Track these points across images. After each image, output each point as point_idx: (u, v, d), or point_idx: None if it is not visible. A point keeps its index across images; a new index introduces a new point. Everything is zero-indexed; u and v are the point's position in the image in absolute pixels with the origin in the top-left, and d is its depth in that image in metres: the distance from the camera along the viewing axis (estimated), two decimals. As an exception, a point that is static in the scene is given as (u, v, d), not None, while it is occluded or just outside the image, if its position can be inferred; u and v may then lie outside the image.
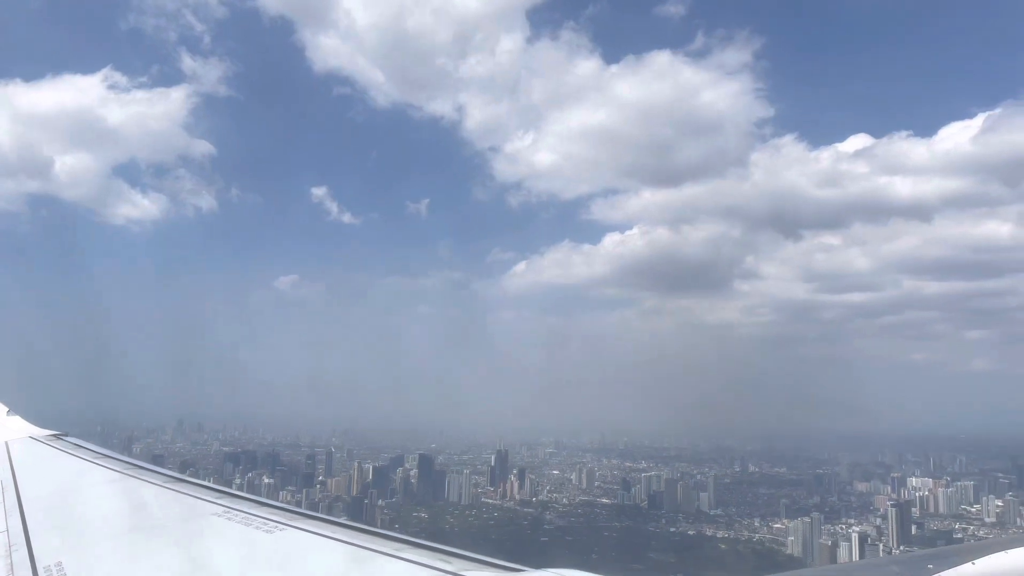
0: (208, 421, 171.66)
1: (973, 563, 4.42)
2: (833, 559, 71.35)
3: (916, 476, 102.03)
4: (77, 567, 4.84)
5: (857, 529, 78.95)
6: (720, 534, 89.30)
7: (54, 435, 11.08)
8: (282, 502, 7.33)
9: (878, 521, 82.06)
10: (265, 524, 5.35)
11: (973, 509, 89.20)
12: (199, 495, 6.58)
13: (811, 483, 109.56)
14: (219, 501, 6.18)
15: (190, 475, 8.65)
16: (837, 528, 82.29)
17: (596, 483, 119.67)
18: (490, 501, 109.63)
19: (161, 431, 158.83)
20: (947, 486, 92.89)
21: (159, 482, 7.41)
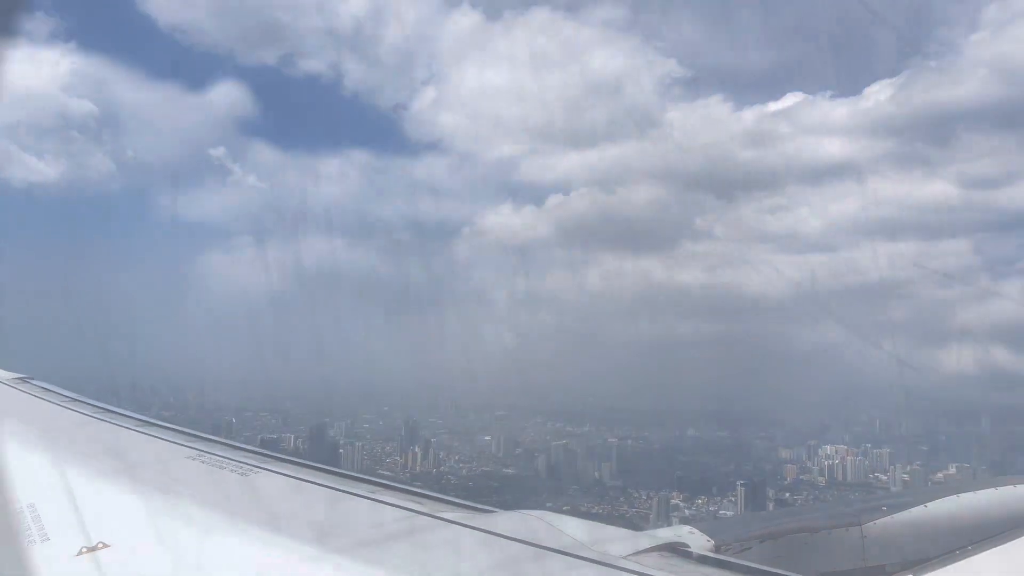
0: (168, 385, 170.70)
1: (926, 506, 4.74)
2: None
3: (842, 443, 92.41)
4: (49, 509, 4.72)
5: (689, 511, 70.33)
6: (595, 509, 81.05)
7: (20, 378, 10.58)
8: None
9: (733, 498, 73.21)
10: (240, 467, 5.28)
11: (884, 477, 79.84)
12: (172, 439, 6.52)
13: (731, 450, 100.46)
14: (192, 445, 6.15)
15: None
16: (687, 506, 73.73)
17: (518, 450, 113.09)
18: (385, 472, 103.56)
19: (111, 396, 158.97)
20: (858, 454, 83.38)
21: (130, 425, 7.33)
